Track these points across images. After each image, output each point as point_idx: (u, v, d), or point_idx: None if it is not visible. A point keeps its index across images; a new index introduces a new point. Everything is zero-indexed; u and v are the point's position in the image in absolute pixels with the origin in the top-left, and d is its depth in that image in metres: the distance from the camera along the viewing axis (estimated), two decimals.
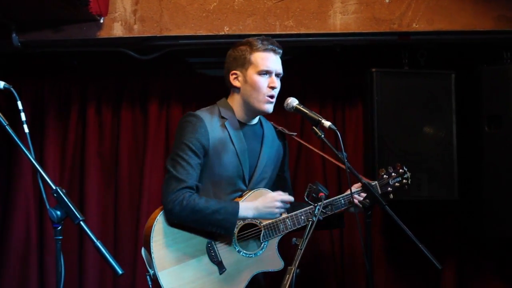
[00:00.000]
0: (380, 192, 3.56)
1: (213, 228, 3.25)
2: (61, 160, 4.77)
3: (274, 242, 3.40)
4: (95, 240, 2.44)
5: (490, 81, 4.38)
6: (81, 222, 2.47)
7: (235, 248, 3.32)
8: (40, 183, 2.53)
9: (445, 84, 4.48)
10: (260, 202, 3.34)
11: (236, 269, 3.30)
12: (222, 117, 3.39)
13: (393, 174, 3.67)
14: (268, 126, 3.57)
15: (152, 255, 3.19)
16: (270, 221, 3.37)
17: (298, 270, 2.78)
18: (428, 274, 4.70)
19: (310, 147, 3.75)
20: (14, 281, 4.61)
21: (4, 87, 2.71)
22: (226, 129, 3.36)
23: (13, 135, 2.56)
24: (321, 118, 3.16)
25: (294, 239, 3.35)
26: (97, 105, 4.80)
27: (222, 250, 3.29)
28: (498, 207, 4.30)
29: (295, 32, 4.24)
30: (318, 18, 4.24)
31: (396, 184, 3.66)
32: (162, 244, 3.23)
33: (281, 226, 3.38)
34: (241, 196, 3.37)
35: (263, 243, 3.36)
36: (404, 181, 3.68)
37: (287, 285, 2.70)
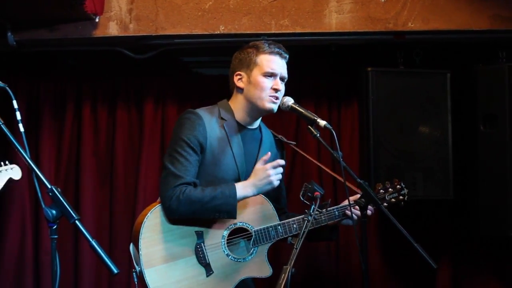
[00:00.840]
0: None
1: (216, 215, 3.22)
2: (56, 159, 4.76)
3: (264, 248, 3.37)
4: (91, 239, 2.44)
5: (485, 80, 4.39)
6: (77, 221, 2.47)
7: (224, 251, 3.30)
8: (36, 182, 2.52)
9: (441, 84, 4.49)
10: (254, 178, 3.30)
11: (223, 273, 3.28)
12: (222, 118, 3.38)
13: (390, 189, 3.64)
14: (267, 133, 3.56)
15: (140, 252, 3.17)
16: (261, 227, 3.35)
17: (293, 270, 2.78)
18: (423, 273, 4.70)
19: (308, 157, 3.72)
20: (9, 281, 4.60)
21: None
22: (225, 130, 3.35)
23: (8, 134, 2.55)
24: (316, 117, 3.16)
25: (289, 238, 3.36)
26: (92, 104, 4.79)
27: (211, 252, 3.27)
28: (493, 206, 4.31)
29: (291, 31, 4.24)
30: (313, 17, 4.24)
31: (393, 200, 3.63)
32: (151, 242, 3.20)
33: (272, 233, 3.36)
34: None
35: (252, 249, 3.34)
36: (400, 197, 3.64)
37: (283, 285, 2.71)
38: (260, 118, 3.49)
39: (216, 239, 3.29)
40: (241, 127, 3.41)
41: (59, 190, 2.50)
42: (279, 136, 3.61)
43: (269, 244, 3.38)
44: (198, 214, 3.22)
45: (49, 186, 2.49)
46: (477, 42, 4.45)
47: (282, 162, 3.33)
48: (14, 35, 4.20)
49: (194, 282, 3.23)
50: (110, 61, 4.76)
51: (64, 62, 4.83)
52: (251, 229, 3.35)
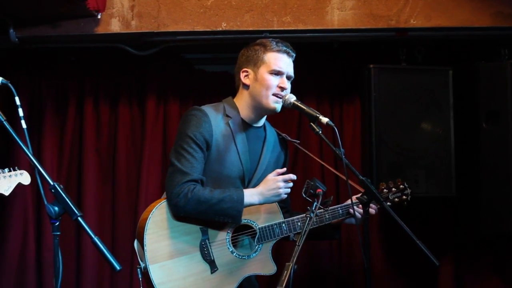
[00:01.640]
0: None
1: (220, 218, 3.23)
2: (58, 155, 4.76)
3: (268, 246, 3.38)
4: (93, 236, 2.45)
5: (487, 77, 4.38)
6: (79, 218, 2.48)
7: (228, 248, 3.30)
8: (38, 179, 2.53)
9: (443, 80, 4.48)
10: (263, 187, 3.30)
11: (227, 270, 3.28)
12: (227, 115, 3.38)
13: (393, 189, 3.66)
14: (271, 132, 3.56)
15: (145, 248, 3.18)
16: (266, 224, 3.36)
17: (296, 266, 2.79)
18: (425, 270, 4.70)
19: (311, 155, 3.73)
20: (12, 277, 4.61)
21: (1, 82, 2.71)
22: (230, 127, 3.35)
23: (11, 130, 2.56)
24: (318, 114, 3.17)
25: (291, 234, 3.37)
26: (94, 100, 4.79)
27: (215, 249, 3.28)
28: (495, 203, 4.31)
29: (293, 28, 4.24)
30: (315, 14, 4.24)
31: (396, 199, 3.65)
32: (156, 238, 3.21)
33: (277, 231, 3.37)
34: None
35: (257, 246, 3.35)
36: (404, 197, 3.67)
37: (285, 281, 2.71)
38: (265, 116, 3.49)
39: (221, 236, 3.30)
40: (246, 125, 3.41)
41: (62, 186, 2.51)
42: (283, 135, 3.61)
43: (274, 242, 3.39)
44: (202, 214, 3.22)
45: (52, 183, 2.50)
46: (479, 39, 4.45)
47: (294, 177, 3.34)
48: (16, 31, 4.19)
49: (199, 278, 3.24)
50: (112, 58, 4.76)
51: (66, 59, 4.82)
52: (256, 227, 3.36)
